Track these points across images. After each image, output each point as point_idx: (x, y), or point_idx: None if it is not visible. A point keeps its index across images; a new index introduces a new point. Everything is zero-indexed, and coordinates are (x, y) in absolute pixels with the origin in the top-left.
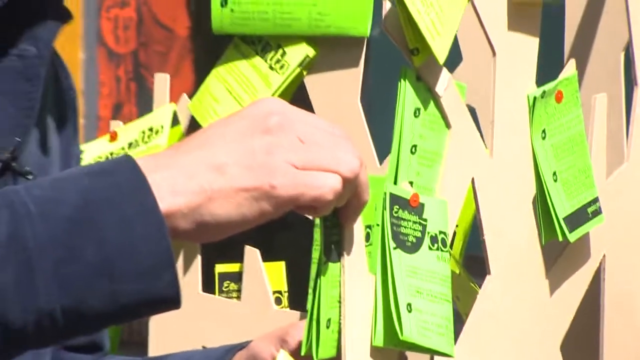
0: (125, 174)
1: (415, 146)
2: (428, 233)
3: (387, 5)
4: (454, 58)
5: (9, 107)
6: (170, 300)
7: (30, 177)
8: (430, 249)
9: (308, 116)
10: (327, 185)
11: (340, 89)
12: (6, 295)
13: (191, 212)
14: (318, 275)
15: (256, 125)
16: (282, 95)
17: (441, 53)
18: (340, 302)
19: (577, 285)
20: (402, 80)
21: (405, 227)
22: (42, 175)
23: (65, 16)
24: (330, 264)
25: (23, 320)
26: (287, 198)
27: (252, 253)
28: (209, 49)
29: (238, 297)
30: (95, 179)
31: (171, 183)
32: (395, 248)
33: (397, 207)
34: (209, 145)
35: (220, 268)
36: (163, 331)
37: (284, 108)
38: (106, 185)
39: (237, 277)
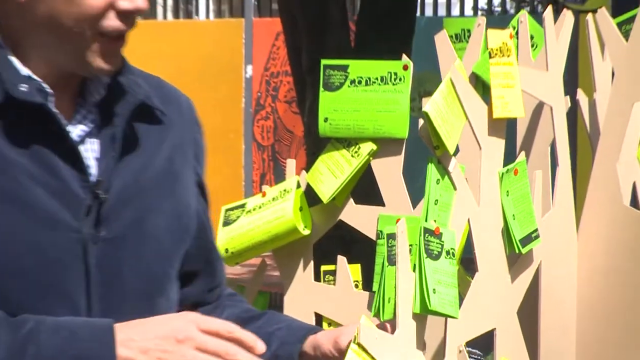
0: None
1: (437, 200)
2: (444, 249)
3: (420, 122)
4: (458, 150)
5: (103, 156)
6: None
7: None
8: (445, 257)
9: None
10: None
11: (390, 167)
12: None
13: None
14: (382, 272)
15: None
16: (357, 172)
17: (451, 148)
18: (395, 287)
19: (525, 278)
20: (429, 163)
21: (431, 245)
22: (132, 198)
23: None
24: (390, 266)
25: None
26: None
27: (341, 259)
28: (317, 144)
29: (334, 284)
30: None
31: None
32: (426, 257)
33: (427, 234)
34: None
35: (324, 267)
36: (293, 303)
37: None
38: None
39: (333, 273)
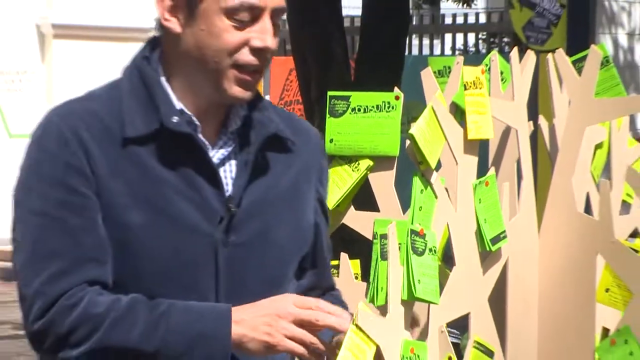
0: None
1: (421, 207)
2: (427, 247)
3: (408, 142)
4: (439, 165)
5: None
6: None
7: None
8: (428, 254)
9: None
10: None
11: (384, 180)
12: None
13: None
14: (376, 266)
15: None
16: (357, 184)
17: (433, 164)
18: (387, 278)
19: (495, 271)
20: (415, 176)
21: (417, 244)
22: (259, 212)
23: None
24: (382, 261)
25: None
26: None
27: (344, 256)
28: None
29: (338, 276)
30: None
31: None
32: (412, 254)
33: (413, 235)
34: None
35: None
36: None
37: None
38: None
39: (337, 267)
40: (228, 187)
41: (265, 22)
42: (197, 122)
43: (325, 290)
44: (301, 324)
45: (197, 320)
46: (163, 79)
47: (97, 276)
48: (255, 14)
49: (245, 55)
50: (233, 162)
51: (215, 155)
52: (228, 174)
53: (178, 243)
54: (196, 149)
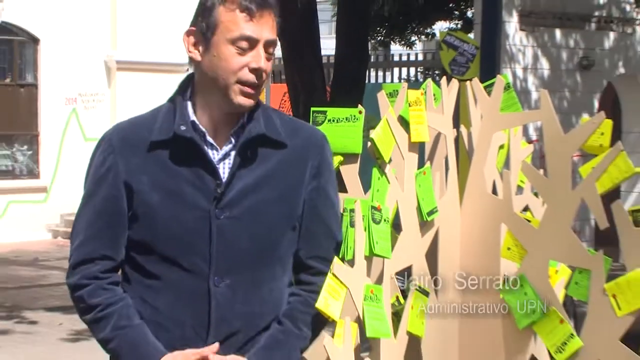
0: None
1: (378, 189)
2: (383, 218)
3: (369, 144)
4: (391, 160)
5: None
6: None
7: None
8: (384, 223)
9: None
10: None
11: (351, 170)
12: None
13: None
14: (347, 232)
15: None
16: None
17: (387, 159)
18: (354, 240)
19: (430, 235)
20: (373, 168)
21: (375, 216)
22: (249, 193)
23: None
24: (351, 228)
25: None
26: None
27: None
28: None
29: None
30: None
31: None
32: (372, 223)
33: (373, 209)
34: None
35: None
36: None
37: None
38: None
39: None
40: (225, 175)
41: (260, 50)
42: (203, 129)
43: (316, 258)
44: None
45: (131, 353)
46: (187, 100)
47: (107, 252)
48: (252, 43)
49: (246, 74)
50: (232, 156)
51: (220, 152)
52: (227, 165)
53: (183, 216)
54: (199, 148)
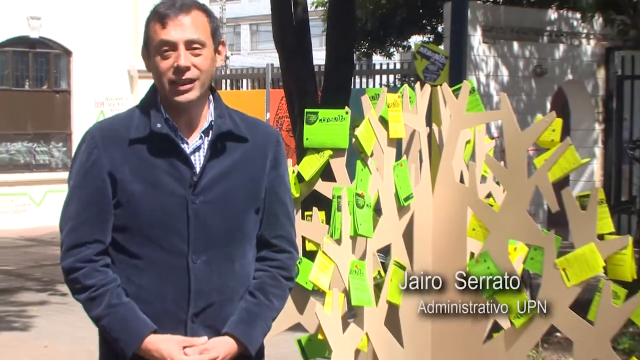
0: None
1: (361, 179)
2: (366, 203)
3: (353, 140)
4: (373, 153)
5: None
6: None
7: (201, 196)
8: (366, 208)
9: None
10: None
11: (339, 163)
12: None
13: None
14: (334, 215)
15: None
16: (323, 165)
17: (369, 153)
18: (341, 222)
19: (406, 218)
20: (358, 160)
21: (359, 201)
22: (219, 180)
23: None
24: (338, 212)
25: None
26: None
27: (315, 209)
28: (302, 152)
29: (311, 221)
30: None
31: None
32: (356, 207)
33: (357, 196)
34: None
35: (306, 213)
36: None
37: None
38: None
39: (311, 216)
40: (198, 166)
41: (181, 50)
42: (176, 125)
43: (279, 237)
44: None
45: (124, 329)
46: (159, 101)
47: (98, 236)
48: (172, 46)
49: (170, 74)
50: (202, 150)
51: (191, 146)
52: (198, 158)
53: (162, 202)
54: (174, 143)
